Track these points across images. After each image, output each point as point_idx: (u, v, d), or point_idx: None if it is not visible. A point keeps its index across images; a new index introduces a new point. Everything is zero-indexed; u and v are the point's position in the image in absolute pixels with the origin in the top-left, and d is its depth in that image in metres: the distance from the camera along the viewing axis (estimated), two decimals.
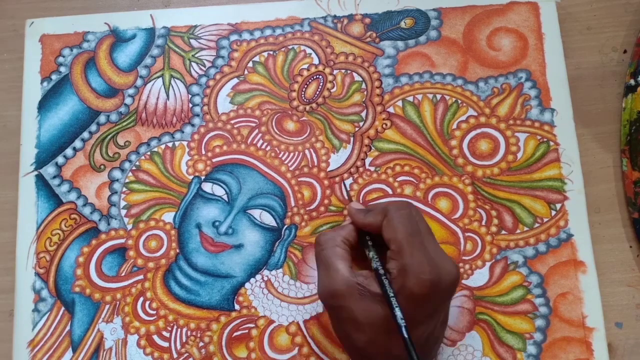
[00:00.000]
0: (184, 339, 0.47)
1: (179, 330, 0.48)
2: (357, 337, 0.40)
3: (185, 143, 0.52)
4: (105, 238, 0.50)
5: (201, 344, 0.47)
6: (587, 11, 0.54)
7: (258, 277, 0.49)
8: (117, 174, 0.51)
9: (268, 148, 0.51)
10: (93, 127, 0.52)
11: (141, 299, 0.48)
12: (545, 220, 0.49)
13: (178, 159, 0.51)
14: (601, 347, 0.46)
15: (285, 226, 0.50)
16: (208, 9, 0.55)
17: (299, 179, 0.50)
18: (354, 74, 0.53)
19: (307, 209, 0.50)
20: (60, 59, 0.54)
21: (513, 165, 0.50)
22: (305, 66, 0.53)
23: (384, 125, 0.51)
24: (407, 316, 0.38)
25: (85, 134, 0.52)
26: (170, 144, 0.52)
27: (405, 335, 0.37)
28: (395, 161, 0.50)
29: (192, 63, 0.53)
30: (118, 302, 0.48)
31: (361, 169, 0.50)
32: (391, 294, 0.39)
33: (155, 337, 0.48)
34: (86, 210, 0.50)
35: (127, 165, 0.51)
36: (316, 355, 0.47)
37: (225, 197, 0.50)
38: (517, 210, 0.49)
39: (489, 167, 0.50)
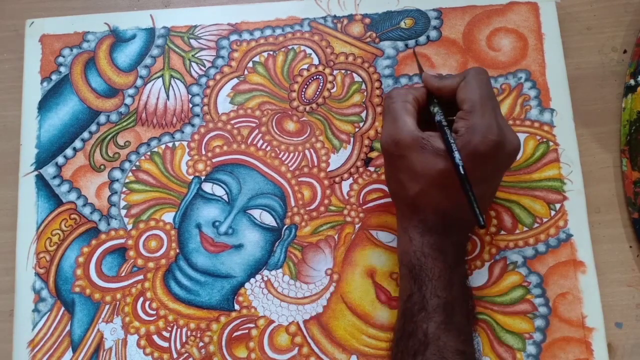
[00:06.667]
0: (184, 339, 0.48)
1: (179, 330, 0.48)
2: (411, 186, 0.42)
3: (185, 143, 0.52)
4: (105, 238, 0.50)
5: (201, 344, 0.47)
6: (587, 11, 0.54)
7: (258, 277, 0.49)
8: (117, 174, 0.51)
9: (268, 148, 0.51)
10: (93, 127, 0.52)
11: (141, 299, 0.48)
12: (544, 220, 0.49)
13: (178, 159, 0.51)
14: (601, 347, 0.46)
15: (285, 226, 0.50)
16: (208, 9, 0.55)
17: (299, 179, 0.50)
18: (354, 74, 0.53)
19: (307, 209, 0.50)
20: (60, 59, 0.54)
21: (512, 165, 0.50)
22: (305, 66, 0.53)
23: None
24: None
25: (85, 134, 0.52)
26: (170, 144, 0.52)
27: (462, 172, 0.39)
28: None
29: (192, 63, 0.53)
30: (118, 302, 0.48)
31: (361, 169, 0.51)
32: (452, 140, 0.40)
33: (155, 337, 0.48)
34: (86, 211, 0.50)
35: (127, 165, 0.51)
36: (316, 355, 0.47)
37: (225, 197, 0.50)
38: (516, 210, 0.49)
39: None
